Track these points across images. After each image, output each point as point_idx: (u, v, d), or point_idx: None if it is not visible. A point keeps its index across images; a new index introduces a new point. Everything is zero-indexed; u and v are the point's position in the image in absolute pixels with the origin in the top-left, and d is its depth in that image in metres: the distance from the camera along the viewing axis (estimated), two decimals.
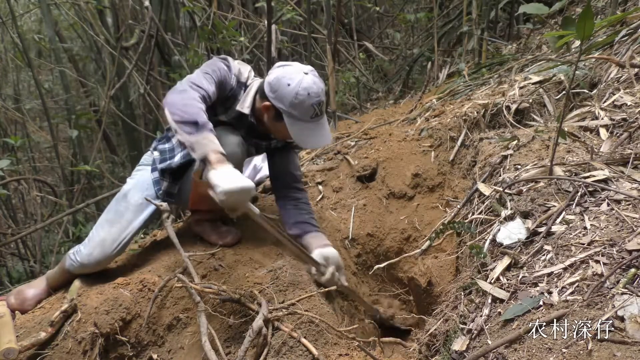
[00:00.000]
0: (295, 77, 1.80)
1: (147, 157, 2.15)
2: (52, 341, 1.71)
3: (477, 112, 2.75)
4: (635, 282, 1.19)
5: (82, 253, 1.96)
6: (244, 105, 1.94)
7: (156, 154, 2.10)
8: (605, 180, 1.61)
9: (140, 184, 2.05)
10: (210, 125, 1.70)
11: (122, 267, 2.12)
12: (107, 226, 1.98)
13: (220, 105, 1.95)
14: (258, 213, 1.73)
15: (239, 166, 1.97)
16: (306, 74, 1.83)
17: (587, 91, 2.44)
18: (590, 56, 2.55)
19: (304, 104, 1.79)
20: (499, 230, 1.66)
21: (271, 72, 1.88)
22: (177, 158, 2.02)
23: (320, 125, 1.88)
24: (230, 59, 1.96)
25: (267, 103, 1.86)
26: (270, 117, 1.90)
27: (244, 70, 1.99)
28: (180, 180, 2.10)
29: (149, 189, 2.03)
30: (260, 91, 1.92)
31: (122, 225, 1.97)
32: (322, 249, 1.99)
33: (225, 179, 1.58)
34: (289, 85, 1.79)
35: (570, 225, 1.50)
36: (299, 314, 1.63)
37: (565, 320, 1.18)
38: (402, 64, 5.49)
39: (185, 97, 1.72)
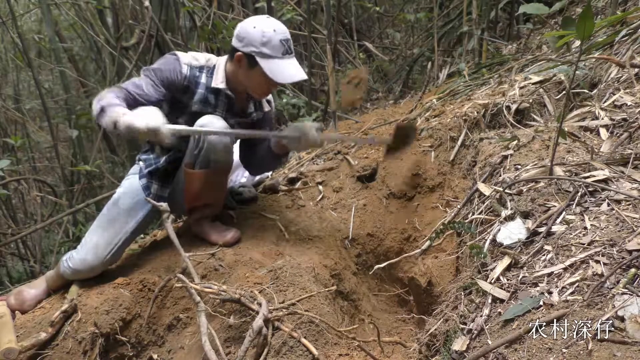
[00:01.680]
0: (259, 20, 1.92)
1: (135, 167, 2.20)
2: (52, 341, 1.71)
3: (477, 112, 2.75)
4: (636, 282, 1.19)
5: (75, 259, 1.95)
6: (218, 81, 2.01)
7: (141, 163, 2.16)
8: (605, 180, 1.61)
9: (130, 190, 2.09)
10: (117, 102, 1.79)
11: (122, 267, 2.12)
12: (100, 231, 2.00)
13: (183, 94, 2.00)
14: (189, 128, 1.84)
15: (229, 151, 2.03)
16: (268, 17, 1.94)
17: (587, 91, 2.44)
18: (590, 56, 2.55)
19: (272, 40, 1.86)
20: (499, 230, 1.66)
21: (236, 29, 1.97)
22: (163, 160, 2.11)
23: (293, 63, 1.94)
24: (179, 53, 2.04)
25: (238, 54, 1.91)
26: (244, 68, 1.94)
27: (200, 56, 2.06)
28: (171, 184, 2.14)
29: (139, 195, 2.07)
30: (229, 55, 2.01)
31: (115, 230, 1.99)
32: (291, 125, 2.03)
33: (129, 119, 1.69)
34: (254, 27, 1.88)
35: (571, 225, 1.50)
36: (299, 314, 1.63)
37: (566, 320, 1.17)
38: (402, 64, 5.48)
39: (98, 98, 1.82)
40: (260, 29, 1.86)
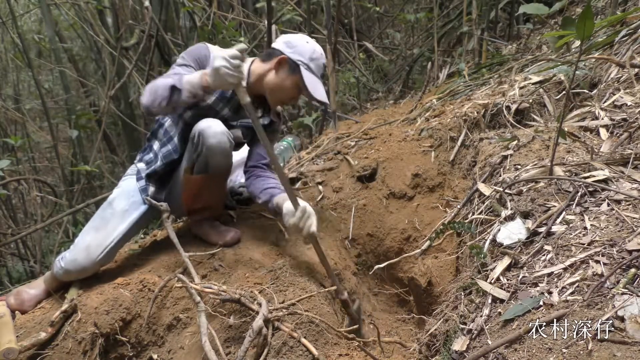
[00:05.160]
0: (309, 38, 2.09)
1: (132, 168, 2.18)
2: (52, 341, 1.71)
3: (477, 112, 2.75)
4: (635, 282, 1.19)
5: (67, 259, 1.93)
6: None
7: (141, 165, 2.13)
8: (605, 180, 1.61)
9: (125, 191, 2.07)
10: (179, 76, 1.85)
11: (122, 267, 2.12)
12: (93, 232, 1.97)
13: None
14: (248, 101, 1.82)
15: (229, 156, 2.00)
16: (314, 40, 2.11)
17: (587, 91, 2.44)
18: (590, 56, 2.55)
19: (319, 61, 2.04)
20: (499, 230, 1.66)
21: (282, 38, 2.09)
22: (159, 162, 2.07)
23: (322, 85, 2.09)
24: (208, 44, 2.06)
25: (283, 57, 2.01)
26: (282, 71, 2.03)
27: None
28: (168, 186, 2.13)
29: (134, 197, 2.04)
30: (264, 56, 2.08)
31: (108, 231, 1.97)
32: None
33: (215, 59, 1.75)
34: (307, 42, 2.05)
35: (571, 225, 1.50)
36: (299, 314, 1.63)
37: (565, 320, 1.17)
38: (402, 64, 5.49)
39: (150, 89, 1.86)
40: (312, 46, 2.04)
